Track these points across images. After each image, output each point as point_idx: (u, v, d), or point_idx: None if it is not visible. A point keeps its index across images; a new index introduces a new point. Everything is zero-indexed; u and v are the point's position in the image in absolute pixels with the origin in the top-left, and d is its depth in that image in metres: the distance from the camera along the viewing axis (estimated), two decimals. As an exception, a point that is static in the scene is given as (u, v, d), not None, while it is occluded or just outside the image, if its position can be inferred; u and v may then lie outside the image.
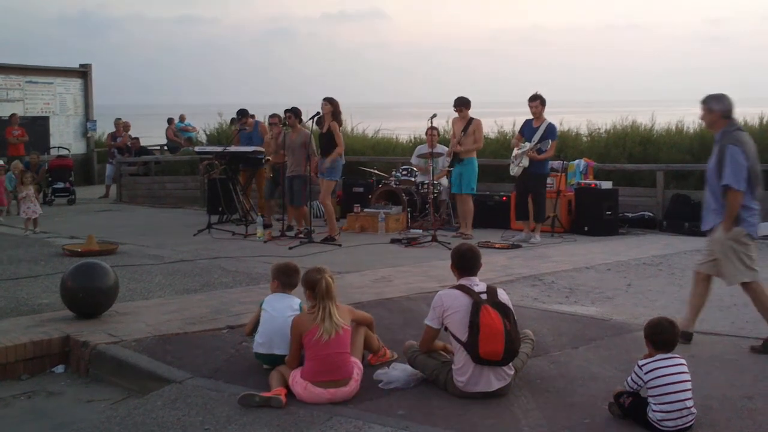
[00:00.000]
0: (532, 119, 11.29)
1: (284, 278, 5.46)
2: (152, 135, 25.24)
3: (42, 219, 12.84)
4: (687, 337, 5.85)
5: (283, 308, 5.30)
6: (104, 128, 21.30)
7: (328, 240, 10.87)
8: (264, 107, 15.63)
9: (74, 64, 21.98)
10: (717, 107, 6.01)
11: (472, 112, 11.61)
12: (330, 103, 11.04)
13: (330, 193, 11.22)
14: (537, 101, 11.15)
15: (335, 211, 11.56)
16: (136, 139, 20.29)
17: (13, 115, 18.33)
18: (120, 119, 20.45)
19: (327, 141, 11.08)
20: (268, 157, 12.13)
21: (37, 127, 19.99)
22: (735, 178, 5.82)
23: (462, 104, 11.49)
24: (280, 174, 11.80)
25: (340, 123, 11.18)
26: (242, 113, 13.38)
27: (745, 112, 14.68)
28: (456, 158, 11.49)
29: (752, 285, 6.00)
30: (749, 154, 5.91)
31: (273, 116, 12.56)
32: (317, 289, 4.88)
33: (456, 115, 11.64)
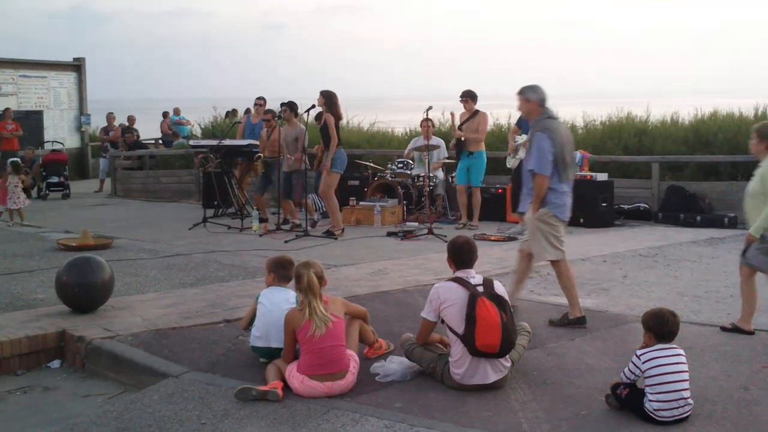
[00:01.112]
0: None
1: (280, 271, 5.45)
2: (147, 129, 25.18)
3: (36, 213, 12.80)
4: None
5: (280, 301, 5.29)
6: (99, 123, 21.22)
7: (329, 233, 10.85)
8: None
9: (68, 58, 21.90)
10: (533, 97, 6.44)
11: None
12: (322, 95, 11.02)
13: (333, 187, 11.20)
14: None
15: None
16: (131, 133, 20.20)
17: (6, 109, 18.25)
18: (112, 113, 20.37)
19: (324, 134, 11.07)
20: (260, 154, 12.11)
21: (31, 121, 19.90)
22: (540, 163, 6.26)
23: (468, 96, 11.50)
24: (276, 169, 11.76)
25: (337, 116, 11.08)
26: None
27: (740, 104, 14.71)
28: (465, 151, 11.48)
29: (558, 263, 6.41)
30: (557, 141, 6.26)
31: (267, 112, 12.55)
32: (300, 284, 4.88)
33: (451, 107, 11.67)
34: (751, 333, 5.97)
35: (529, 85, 6.55)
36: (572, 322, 6.23)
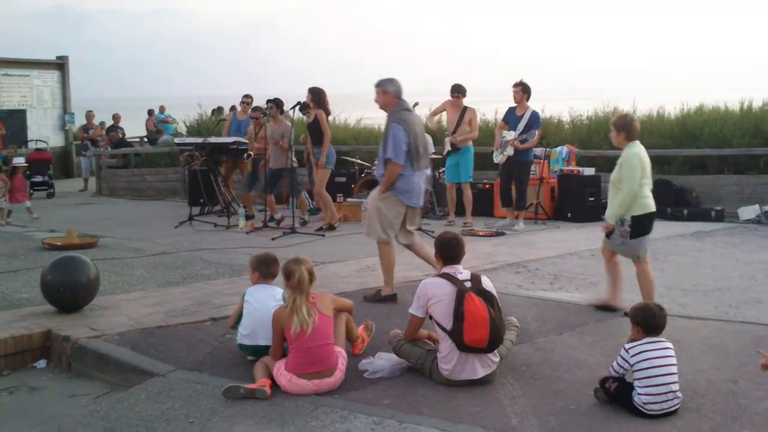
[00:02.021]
0: (516, 107, 11.27)
1: (264, 269, 5.42)
2: (132, 127, 25.04)
3: (20, 213, 12.70)
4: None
5: (266, 299, 5.26)
6: (83, 121, 21.07)
7: (329, 228, 10.88)
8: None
9: (51, 57, 21.73)
10: (390, 89, 6.81)
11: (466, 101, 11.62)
12: (311, 92, 11.00)
13: (325, 183, 11.18)
14: (519, 87, 11.13)
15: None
16: (115, 131, 20.07)
17: None
18: (91, 111, 20.24)
19: (314, 131, 11.04)
20: (250, 152, 12.07)
21: (14, 120, 19.75)
22: (394, 152, 6.64)
23: (458, 90, 11.45)
24: (261, 165, 11.72)
25: (327, 112, 11.11)
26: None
27: (726, 98, 14.77)
28: (453, 147, 11.46)
29: (380, 244, 6.85)
30: (411, 131, 6.67)
31: (255, 109, 12.49)
32: (291, 281, 4.85)
33: (437, 102, 11.62)
34: (616, 309, 6.40)
35: (386, 78, 6.87)
36: (383, 299, 6.78)
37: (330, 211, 11.15)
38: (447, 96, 11.61)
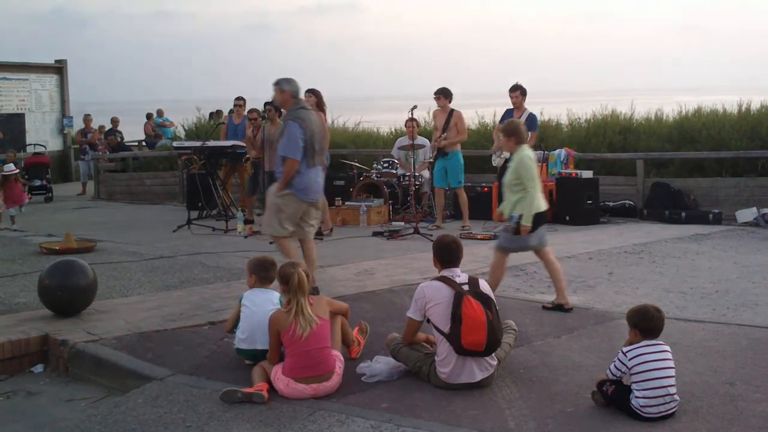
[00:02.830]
0: (513, 109, 11.28)
1: (261, 273, 5.42)
2: (130, 130, 25.04)
3: (19, 217, 12.68)
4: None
5: (263, 303, 5.26)
6: (81, 125, 21.08)
7: (318, 234, 10.80)
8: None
9: (49, 60, 21.72)
10: (287, 88, 7.04)
11: (454, 104, 11.58)
12: (314, 94, 10.96)
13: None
14: (517, 92, 11.14)
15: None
16: (114, 135, 20.08)
17: None
18: (89, 115, 20.22)
19: None
20: (248, 156, 12.07)
21: (13, 124, 19.74)
22: (289, 149, 6.84)
23: (441, 93, 11.40)
24: (261, 169, 11.72)
25: (324, 113, 11.10)
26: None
27: (723, 100, 14.79)
28: (440, 152, 11.44)
29: (279, 239, 7.08)
30: (307, 129, 6.86)
31: (251, 111, 12.48)
32: (290, 284, 4.84)
33: (436, 106, 11.57)
34: (570, 309, 6.63)
35: (284, 78, 7.11)
36: None
37: (324, 217, 11.06)
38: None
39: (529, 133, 10.95)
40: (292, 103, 7.03)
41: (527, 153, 6.72)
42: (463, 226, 11.28)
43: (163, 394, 4.83)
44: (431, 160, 12.02)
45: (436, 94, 11.42)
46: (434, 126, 11.85)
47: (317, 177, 7.10)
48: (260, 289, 5.40)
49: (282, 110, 11.52)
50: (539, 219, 6.67)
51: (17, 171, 13.10)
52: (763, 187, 12.29)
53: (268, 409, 4.55)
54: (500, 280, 6.92)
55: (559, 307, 6.65)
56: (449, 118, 11.37)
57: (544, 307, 6.69)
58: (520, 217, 6.55)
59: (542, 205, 6.73)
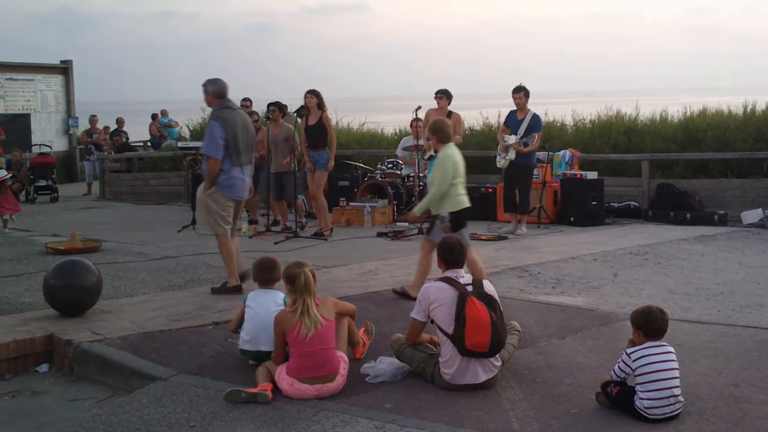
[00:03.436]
0: (517, 110, 11.28)
1: (263, 274, 5.43)
2: (135, 131, 25.09)
3: (24, 217, 12.71)
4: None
5: (267, 304, 5.26)
6: (86, 125, 21.14)
7: (318, 235, 10.79)
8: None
9: (55, 61, 21.78)
10: (211, 89, 7.27)
11: (455, 105, 11.55)
12: (315, 95, 10.98)
13: (322, 186, 11.14)
14: (521, 93, 11.14)
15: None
16: (119, 135, 20.11)
17: None
18: (95, 116, 20.26)
19: (316, 133, 10.99)
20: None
21: (18, 124, 19.79)
22: (210, 148, 7.07)
23: (444, 93, 11.31)
24: (265, 169, 11.73)
25: (326, 114, 11.10)
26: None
27: (729, 101, 14.77)
28: (436, 152, 11.34)
29: (218, 237, 7.28)
30: (229, 128, 7.07)
31: (252, 113, 12.50)
32: (296, 284, 4.84)
33: (435, 106, 11.49)
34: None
35: (210, 79, 7.35)
36: (229, 290, 7.16)
37: (323, 218, 11.07)
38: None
39: (535, 136, 10.97)
40: (216, 103, 7.25)
41: (450, 152, 6.91)
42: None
43: (167, 394, 4.83)
44: (427, 159, 11.97)
45: (438, 93, 11.32)
46: (424, 125, 11.68)
47: (243, 175, 7.29)
48: (265, 290, 5.40)
49: (284, 111, 11.61)
50: (462, 217, 6.90)
51: (9, 175, 12.84)
52: (769, 188, 12.27)
53: (272, 409, 4.55)
54: (428, 272, 7.04)
55: (405, 294, 6.94)
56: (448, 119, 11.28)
57: (393, 291, 7.06)
58: (449, 213, 6.78)
59: (466, 201, 6.94)
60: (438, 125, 7.08)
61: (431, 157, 11.39)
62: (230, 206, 7.25)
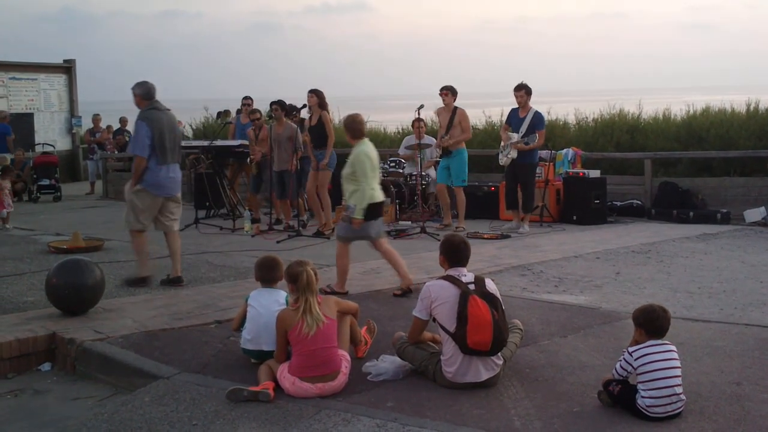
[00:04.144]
0: (519, 108, 11.26)
1: (265, 273, 5.43)
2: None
3: (27, 216, 12.73)
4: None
5: (269, 303, 5.26)
6: (90, 125, 21.16)
7: (319, 234, 10.80)
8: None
9: (58, 60, 21.79)
10: (137, 91, 7.58)
11: (460, 103, 11.54)
12: (316, 94, 10.99)
13: (326, 185, 11.16)
14: (522, 91, 11.12)
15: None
16: (122, 134, 20.12)
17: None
18: (98, 115, 20.27)
19: (317, 132, 11.01)
20: (252, 156, 12.08)
21: (22, 123, 19.81)
22: (135, 146, 7.44)
23: (449, 90, 11.28)
24: (268, 168, 11.74)
25: (328, 113, 11.12)
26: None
27: (731, 99, 14.74)
28: (444, 150, 11.34)
29: (134, 234, 7.63)
30: (155, 128, 7.39)
31: (253, 111, 12.50)
32: (298, 283, 4.84)
33: (440, 105, 11.50)
34: (345, 293, 7.01)
35: (138, 82, 7.68)
36: (139, 282, 7.58)
37: (325, 217, 11.07)
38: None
39: (536, 132, 10.96)
40: (145, 104, 7.55)
41: (364, 148, 7.12)
42: (456, 227, 11.12)
43: (169, 393, 4.84)
44: (437, 159, 12.01)
45: (444, 90, 11.28)
46: (439, 124, 11.72)
47: (169, 173, 7.59)
48: (267, 289, 5.40)
49: (286, 110, 11.62)
50: (375, 210, 7.11)
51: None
52: (772, 186, 12.25)
53: (274, 408, 4.55)
54: (347, 270, 7.29)
55: (407, 292, 7.08)
56: (453, 116, 11.29)
57: (394, 295, 7.10)
58: (354, 205, 7.01)
59: (378, 196, 7.14)
60: (348, 123, 7.41)
61: (441, 156, 11.42)
62: (155, 203, 7.57)
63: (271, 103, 11.84)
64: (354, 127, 7.30)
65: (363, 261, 8.84)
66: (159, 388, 4.93)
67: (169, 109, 7.81)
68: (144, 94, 7.56)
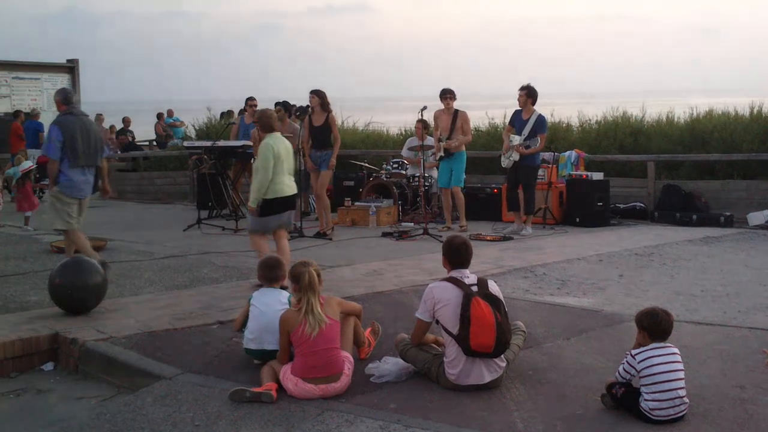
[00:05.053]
0: (522, 110, 11.25)
1: (267, 273, 5.43)
2: (141, 130, 25.14)
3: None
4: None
5: (272, 302, 5.26)
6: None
7: (320, 235, 10.79)
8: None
9: (61, 60, 21.81)
10: (57, 97, 8.04)
11: (459, 104, 11.56)
12: (317, 95, 10.98)
13: (326, 186, 11.15)
14: (523, 91, 11.10)
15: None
16: (125, 134, 20.16)
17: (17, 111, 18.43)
18: (101, 115, 20.30)
19: (321, 133, 10.99)
20: (255, 157, 12.07)
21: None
22: (47, 149, 7.82)
23: (450, 93, 11.37)
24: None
25: (330, 114, 11.11)
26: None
27: (735, 102, 14.73)
28: (445, 152, 11.39)
29: (68, 233, 7.98)
30: (67, 132, 7.74)
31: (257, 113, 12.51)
32: (301, 283, 4.84)
33: (440, 108, 11.54)
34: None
35: (58, 89, 8.28)
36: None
37: (326, 218, 11.07)
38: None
39: (537, 139, 10.95)
40: (62, 109, 7.98)
41: (269, 142, 7.38)
42: (461, 226, 11.24)
43: (172, 393, 4.84)
44: (437, 161, 12.03)
45: (445, 94, 11.35)
46: (434, 126, 11.72)
47: (82, 176, 7.92)
48: (269, 289, 5.40)
49: (289, 110, 11.62)
50: (283, 204, 7.44)
51: (33, 166, 12.91)
52: (775, 190, 12.23)
53: (277, 409, 4.55)
54: (288, 254, 7.50)
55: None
56: (455, 118, 11.33)
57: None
58: (262, 201, 7.31)
59: (286, 190, 7.43)
60: (259, 116, 7.80)
61: (441, 158, 11.44)
62: (73, 204, 7.91)
63: (276, 104, 11.85)
64: (264, 121, 7.61)
65: (366, 263, 8.85)
66: (161, 389, 4.93)
67: (86, 115, 8.26)
68: (63, 99, 8.00)
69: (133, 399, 4.83)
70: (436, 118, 11.59)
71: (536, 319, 6.32)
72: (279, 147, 7.40)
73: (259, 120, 7.75)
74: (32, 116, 18.59)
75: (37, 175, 17.07)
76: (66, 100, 8.01)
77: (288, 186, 7.46)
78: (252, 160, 12.23)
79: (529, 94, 11.09)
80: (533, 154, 11.07)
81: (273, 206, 7.39)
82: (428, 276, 7.74)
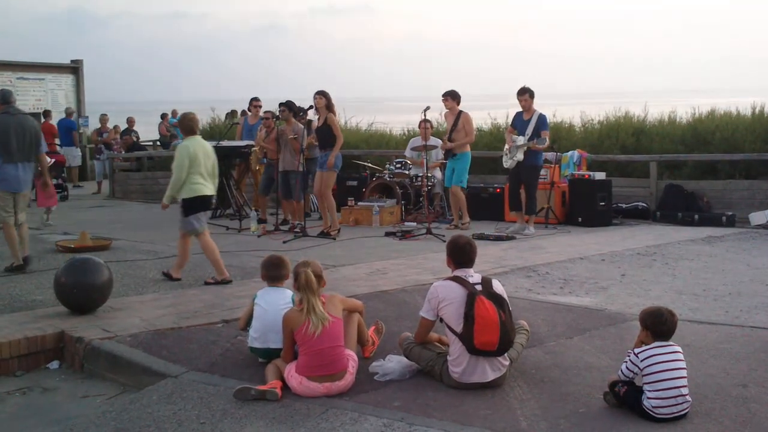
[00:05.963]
0: (523, 112, 11.30)
1: (270, 272, 5.46)
2: (145, 130, 25.17)
3: (35, 215, 12.75)
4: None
5: (276, 301, 5.29)
6: (97, 125, 21.22)
7: (325, 234, 10.81)
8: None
9: (65, 60, 21.86)
10: None
11: (464, 106, 11.62)
12: (323, 96, 11.01)
13: (331, 186, 11.18)
14: (526, 95, 11.16)
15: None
16: (129, 134, 20.19)
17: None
18: (106, 115, 20.32)
19: (324, 134, 11.03)
20: (255, 148, 12.12)
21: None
22: None
23: (448, 95, 11.48)
24: (274, 169, 11.78)
25: (334, 114, 11.14)
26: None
27: (737, 102, 14.74)
28: (449, 153, 11.55)
29: (4, 226, 8.35)
30: (1, 130, 8.17)
31: (266, 112, 12.56)
32: (298, 283, 4.88)
33: (445, 109, 11.69)
34: (178, 279, 7.87)
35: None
36: (15, 269, 8.38)
37: (331, 218, 11.09)
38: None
39: (543, 138, 10.99)
40: (2, 108, 8.38)
41: (185, 143, 7.77)
42: (463, 223, 11.40)
43: (177, 392, 4.87)
44: (443, 160, 12.08)
45: (443, 96, 11.54)
46: (447, 128, 11.91)
47: (17, 171, 8.32)
48: (273, 288, 5.44)
49: (294, 111, 11.66)
50: (200, 203, 7.80)
51: (51, 162, 12.91)
52: (777, 189, 12.24)
53: (282, 407, 4.58)
54: (186, 261, 8.02)
55: (223, 282, 7.71)
56: (457, 119, 11.44)
57: (206, 283, 7.73)
58: (182, 201, 7.70)
59: (203, 189, 7.78)
60: (181, 119, 8.15)
61: (445, 158, 11.54)
62: (7, 197, 8.34)
63: (280, 104, 11.89)
64: (185, 124, 7.98)
65: (369, 262, 8.88)
66: (167, 387, 4.96)
67: (24, 114, 8.72)
68: (0, 99, 8.44)
69: (138, 397, 4.87)
70: (445, 118, 11.81)
71: (539, 318, 6.35)
72: (196, 149, 7.72)
73: (180, 123, 8.15)
74: (67, 115, 19.20)
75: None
76: (3, 99, 8.45)
77: (205, 186, 7.81)
78: (258, 162, 12.30)
79: (531, 96, 11.16)
80: (535, 153, 11.12)
81: (194, 205, 7.77)
82: (431, 275, 7.77)
